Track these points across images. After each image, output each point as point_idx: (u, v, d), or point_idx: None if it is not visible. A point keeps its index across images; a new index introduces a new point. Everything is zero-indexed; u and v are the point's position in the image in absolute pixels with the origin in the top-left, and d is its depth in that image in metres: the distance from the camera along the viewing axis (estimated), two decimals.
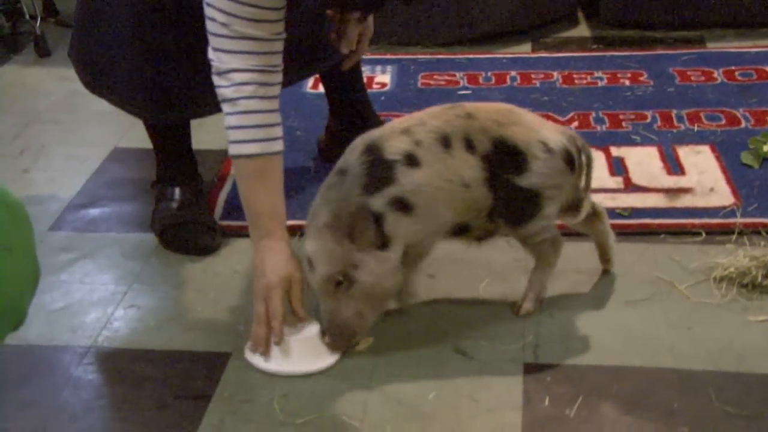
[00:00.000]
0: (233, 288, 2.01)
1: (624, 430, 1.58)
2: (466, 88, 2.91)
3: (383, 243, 1.70)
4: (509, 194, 1.74)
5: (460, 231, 1.79)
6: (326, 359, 1.76)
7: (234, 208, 2.29)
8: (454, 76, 3.00)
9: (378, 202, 1.69)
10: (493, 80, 2.96)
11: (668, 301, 1.90)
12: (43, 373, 1.77)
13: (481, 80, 2.96)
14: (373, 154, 1.71)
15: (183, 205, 2.18)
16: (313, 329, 1.77)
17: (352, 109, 2.43)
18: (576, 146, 1.79)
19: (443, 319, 1.82)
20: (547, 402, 1.65)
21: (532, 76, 2.98)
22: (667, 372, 1.71)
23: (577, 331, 1.84)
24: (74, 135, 2.74)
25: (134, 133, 2.68)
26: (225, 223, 2.23)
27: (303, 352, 1.75)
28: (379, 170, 1.70)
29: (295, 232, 2.17)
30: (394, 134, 1.73)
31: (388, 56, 3.18)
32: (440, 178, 1.71)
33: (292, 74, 2.16)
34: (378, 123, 2.44)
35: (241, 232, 2.20)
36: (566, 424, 1.60)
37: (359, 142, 1.75)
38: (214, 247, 2.14)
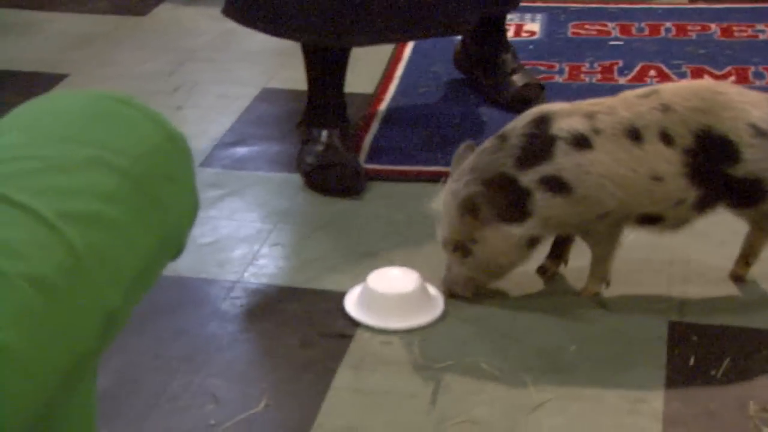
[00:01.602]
0: (376, 231, 2.02)
1: None
2: (618, 39, 2.84)
3: (517, 218, 1.65)
4: (725, 185, 1.64)
5: (649, 221, 1.70)
6: (420, 318, 1.74)
7: (380, 151, 2.30)
8: (606, 26, 2.93)
9: (527, 177, 1.64)
10: (647, 31, 2.88)
11: None
12: (193, 304, 1.82)
13: (633, 31, 2.88)
14: (539, 128, 1.65)
15: (329, 147, 2.20)
16: (411, 285, 1.76)
17: (490, 28, 2.45)
18: None
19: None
20: (692, 361, 1.61)
21: (689, 27, 2.88)
22: None
23: (725, 291, 1.78)
24: (226, 74, 2.79)
25: (283, 74, 2.71)
26: (370, 166, 2.24)
27: (397, 308, 1.74)
28: (538, 145, 1.64)
29: (437, 179, 2.17)
30: (574, 114, 1.65)
31: (538, 4, 3.12)
32: (621, 166, 1.62)
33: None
34: (507, 47, 2.45)
35: (386, 176, 2.21)
36: (711, 385, 1.56)
37: (533, 112, 1.69)
38: (358, 190, 2.15)
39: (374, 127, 2.42)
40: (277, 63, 2.77)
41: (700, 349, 1.64)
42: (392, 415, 1.54)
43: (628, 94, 1.69)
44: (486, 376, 1.61)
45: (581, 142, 1.63)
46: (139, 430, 1.52)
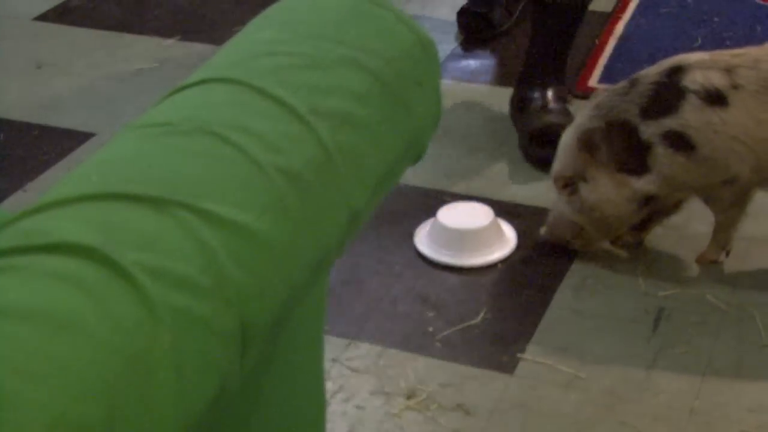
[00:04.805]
0: None
1: None
2: None
3: (635, 170, 1.55)
4: None
5: None
6: (484, 257, 1.69)
7: (614, 72, 2.24)
8: None
9: (650, 129, 1.52)
10: None
11: None
12: (415, 213, 1.83)
13: None
14: (670, 78, 1.52)
15: None
16: (480, 221, 1.71)
17: None
18: None
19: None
20: None
21: None
22: None
23: None
24: None
25: None
26: (602, 86, 2.18)
27: (459, 245, 1.70)
28: (665, 96, 1.51)
29: None
30: (712, 68, 1.51)
31: None
32: (760, 128, 1.48)
33: None
34: None
35: None
36: None
37: (670, 60, 1.56)
38: None
39: (610, 46, 2.35)
40: None
41: None
42: (611, 339, 1.52)
43: None
44: (711, 309, 1.56)
45: (715, 98, 1.49)
46: (360, 329, 1.57)
